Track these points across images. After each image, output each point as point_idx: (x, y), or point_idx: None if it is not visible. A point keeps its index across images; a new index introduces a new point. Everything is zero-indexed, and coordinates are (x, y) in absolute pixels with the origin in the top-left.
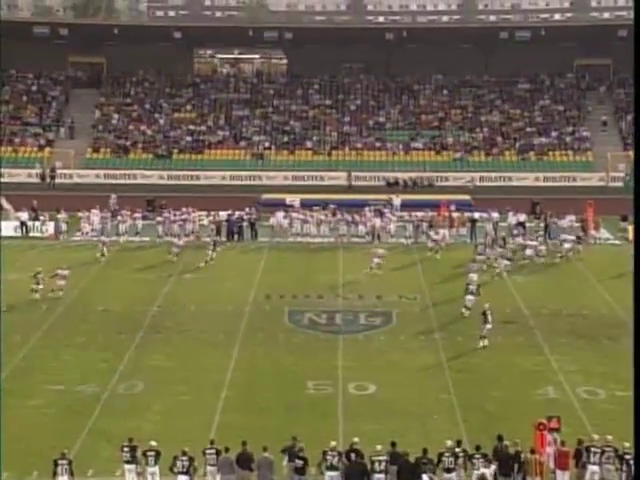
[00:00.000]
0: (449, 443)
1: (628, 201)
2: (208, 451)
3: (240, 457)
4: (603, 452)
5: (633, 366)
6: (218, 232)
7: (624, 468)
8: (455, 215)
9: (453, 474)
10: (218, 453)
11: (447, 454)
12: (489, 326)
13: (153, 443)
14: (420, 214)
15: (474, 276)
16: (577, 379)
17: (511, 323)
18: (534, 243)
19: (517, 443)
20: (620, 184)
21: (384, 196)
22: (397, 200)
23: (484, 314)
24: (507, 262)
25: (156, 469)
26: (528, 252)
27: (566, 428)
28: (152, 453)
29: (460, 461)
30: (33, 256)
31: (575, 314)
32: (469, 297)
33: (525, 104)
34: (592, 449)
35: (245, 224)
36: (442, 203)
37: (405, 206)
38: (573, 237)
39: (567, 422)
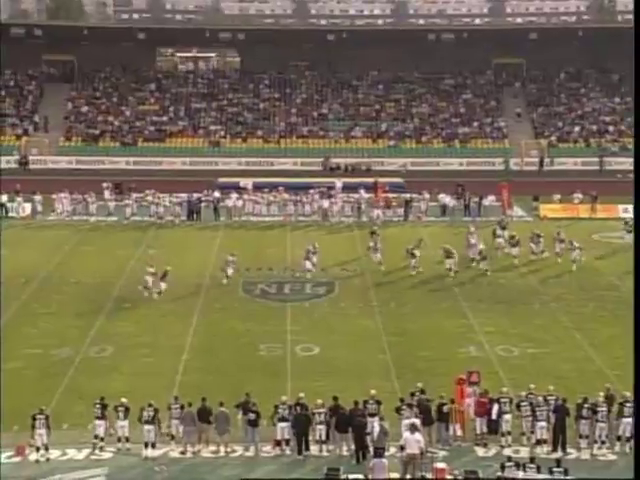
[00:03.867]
0: (372, 392)
1: (539, 183)
2: (173, 406)
3: (200, 411)
4: (511, 401)
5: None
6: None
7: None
8: (391, 196)
9: (375, 418)
10: (182, 408)
11: (371, 401)
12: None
13: (123, 400)
14: (357, 195)
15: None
16: (495, 339)
17: (438, 291)
18: None
19: (442, 396)
20: (534, 168)
21: (327, 179)
22: (339, 183)
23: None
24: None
25: (125, 423)
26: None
27: (485, 381)
28: (122, 408)
29: (382, 408)
30: (12, 234)
31: (493, 282)
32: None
33: (450, 98)
34: (502, 399)
35: (204, 205)
36: (379, 186)
37: (345, 188)
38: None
39: (486, 376)
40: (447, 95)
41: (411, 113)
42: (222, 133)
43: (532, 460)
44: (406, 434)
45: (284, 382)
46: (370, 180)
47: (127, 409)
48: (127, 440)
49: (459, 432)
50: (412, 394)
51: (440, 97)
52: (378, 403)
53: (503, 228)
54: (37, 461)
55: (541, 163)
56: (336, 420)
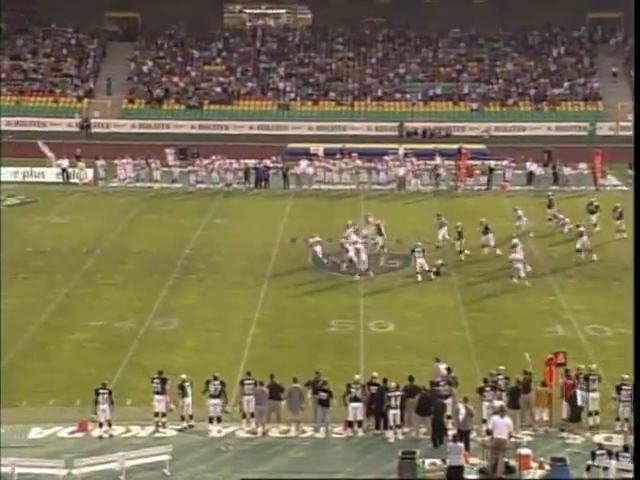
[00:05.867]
0: (443, 369)
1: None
2: (247, 381)
3: (270, 388)
4: (600, 379)
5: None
6: (246, 179)
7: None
8: (473, 163)
9: (449, 400)
10: (256, 384)
11: (442, 382)
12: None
13: (183, 376)
14: (435, 163)
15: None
16: (585, 318)
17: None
18: None
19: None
20: (631, 133)
21: (404, 145)
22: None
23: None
24: None
25: (189, 400)
26: None
27: (574, 363)
28: (186, 384)
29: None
30: (74, 200)
31: (584, 257)
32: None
33: (539, 56)
34: (591, 377)
35: (273, 172)
36: (462, 152)
37: (422, 155)
38: None
39: (575, 357)
40: (535, 53)
41: (495, 73)
42: (292, 95)
43: (626, 449)
44: (495, 418)
45: (357, 360)
46: (448, 147)
47: (190, 385)
48: (191, 418)
49: (545, 416)
50: (492, 375)
51: (527, 55)
52: (449, 384)
53: (591, 213)
54: (100, 437)
55: None
56: (417, 402)
